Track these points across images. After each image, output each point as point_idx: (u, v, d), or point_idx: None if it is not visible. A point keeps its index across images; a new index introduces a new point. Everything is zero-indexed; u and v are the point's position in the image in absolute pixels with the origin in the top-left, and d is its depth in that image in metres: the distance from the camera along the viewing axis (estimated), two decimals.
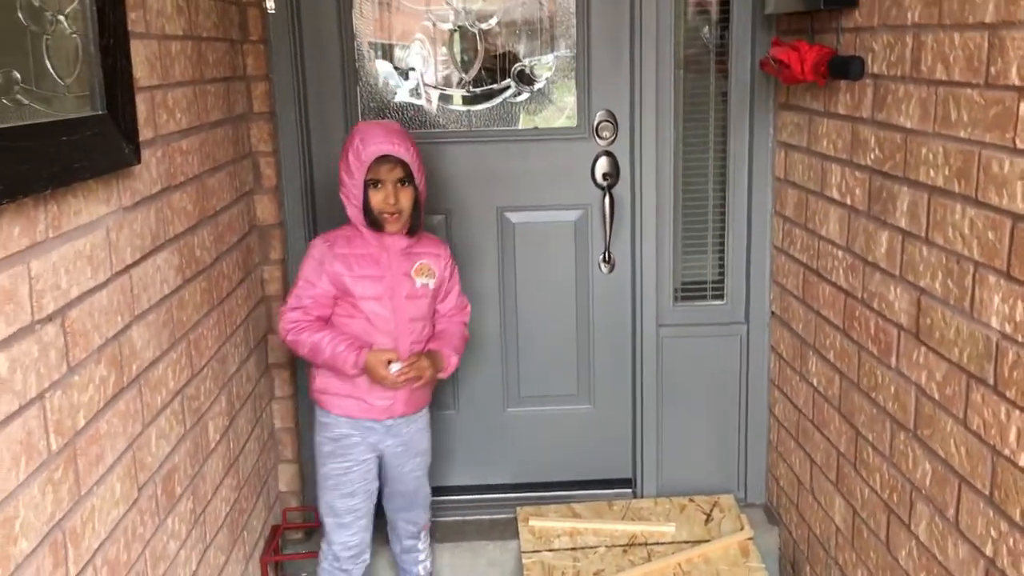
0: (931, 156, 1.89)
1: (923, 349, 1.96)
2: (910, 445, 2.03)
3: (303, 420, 3.03)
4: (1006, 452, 1.66)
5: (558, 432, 3.23)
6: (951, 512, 1.86)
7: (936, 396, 1.91)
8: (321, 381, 2.46)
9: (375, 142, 2.31)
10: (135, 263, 1.83)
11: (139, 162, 1.78)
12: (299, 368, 3.01)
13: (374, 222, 2.38)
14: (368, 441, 2.48)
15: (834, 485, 2.49)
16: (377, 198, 2.36)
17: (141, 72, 1.88)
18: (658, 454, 3.17)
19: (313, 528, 2.93)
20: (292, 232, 2.93)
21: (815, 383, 2.60)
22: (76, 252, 1.58)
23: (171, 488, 1.99)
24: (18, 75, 1.40)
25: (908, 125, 1.98)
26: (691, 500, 3.13)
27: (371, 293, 2.37)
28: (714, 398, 3.13)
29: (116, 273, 1.74)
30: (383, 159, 2.32)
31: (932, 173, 1.89)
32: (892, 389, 2.11)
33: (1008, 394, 1.64)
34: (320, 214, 3.00)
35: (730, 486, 3.19)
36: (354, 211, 2.38)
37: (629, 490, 3.24)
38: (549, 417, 3.22)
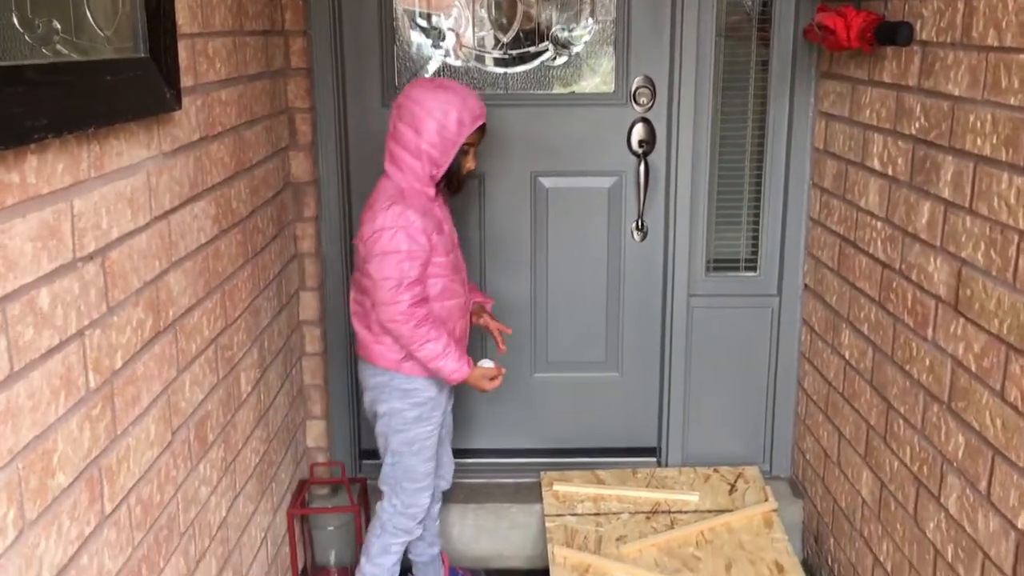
0: (979, 124, 1.86)
1: (961, 321, 1.94)
2: (943, 418, 2.01)
3: (332, 376, 3.05)
4: None
5: (585, 399, 3.23)
6: (983, 485, 1.84)
7: (973, 368, 1.89)
8: (395, 347, 2.40)
9: (479, 109, 2.36)
10: (173, 209, 1.84)
11: (180, 107, 1.79)
12: (330, 326, 3.02)
13: (457, 185, 2.44)
14: (443, 399, 2.52)
15: (862, 458, 2.47)
16: (468, 161, 2.42)
17: (183, 18, 1.88)
18: (684, 424, 3.17)
19: (338, 484, 2.95)
20: (326, 190, 2.93)
21: (847, 356, 2.58)
22: (117, 194, 1.59)
23: (203, 435, 2.01)
24: (58, 25, 1.39)
25: (956, 92, 1.95)
26: (715, 470, 3.12)
27: (443, 248, 2.40)
28: (743, 370, 3.12)
29: (155, 218, 1.75)
30: (481, 125, 2.38)
31: (979, 141, 1.86)
32: (927, 361, 2.09)
33: None
34: (354, 172, 3.00)
35: (755, 458, 3.18)
36: (434, 173, 2.35)
37: (654, 459, 3.24)
38: (576, 384, 3.22)
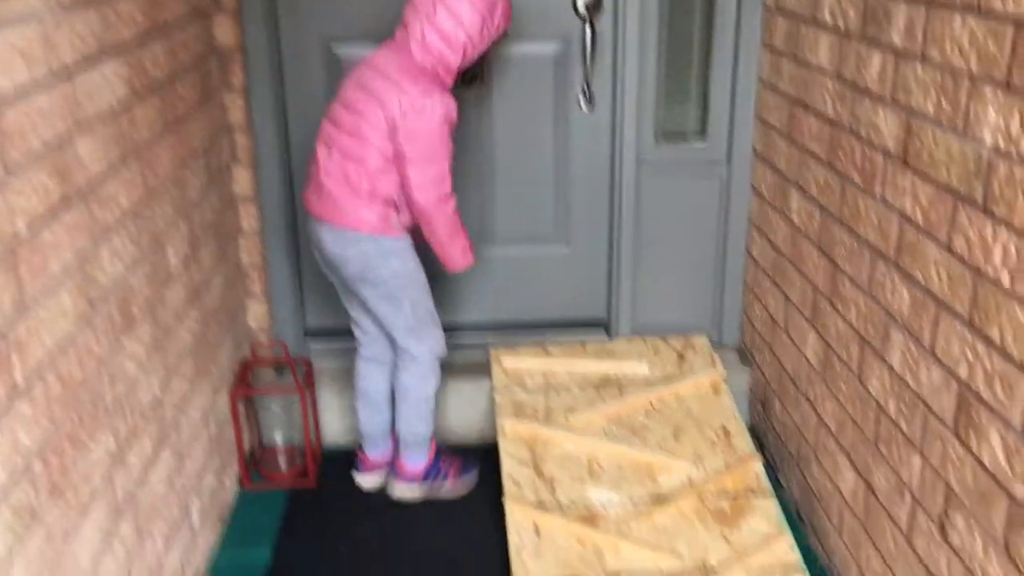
0: None
1: (909, 174, 1.89)
2: (889, 275, 1.98)
3: (271, 255, 2.96)
4: (989, 272, 1.61)
5: (533, 273, 3.18)
6: (927, 338, 1.83)
7: (920, 222, 1.85)
8: (385, 214, 2.44)
9: (510, 7, 2.46)
10: (77, 68, 1.71)
11: None
12: (266, 202, 2.91)
13: (470, 79, 2.63)
14: None
15: (808, 321, 2.46)
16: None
17: None
18: (633, 296, 3.13)
19: (283, 364, 2.89)
20: (255, 58, 2.78)
21: (795, 220, 2.54)
22: (8, 44, 1.46)
23: (128, 310, 1.93)
24: None
25: None
26: (664, 341, 3.11)
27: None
28: (692, 240, 3.08)
29: (54, 73, 1.62)
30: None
31: None
32: (874, 219, 2.05)
33: (996, 211, 1.58)
34: (286, 38, 2.84)
35: (704, 328, 3.17)
36: (462, 66, 2.44)
37: (603, 331, 3.22)
38: (524, 258, 3.16)
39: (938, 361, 1.79)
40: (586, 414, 2.78)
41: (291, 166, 2.95)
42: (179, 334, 2.24)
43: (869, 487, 2.11)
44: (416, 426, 2.71)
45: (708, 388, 2.89)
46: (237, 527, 2.62)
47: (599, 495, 2.51)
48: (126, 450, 1.90)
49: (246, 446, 2.85)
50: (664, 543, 2.36)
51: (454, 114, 2.41)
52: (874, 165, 2.04)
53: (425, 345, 2.63)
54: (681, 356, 3.03)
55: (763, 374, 2.90)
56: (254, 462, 2.87)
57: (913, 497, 1.90)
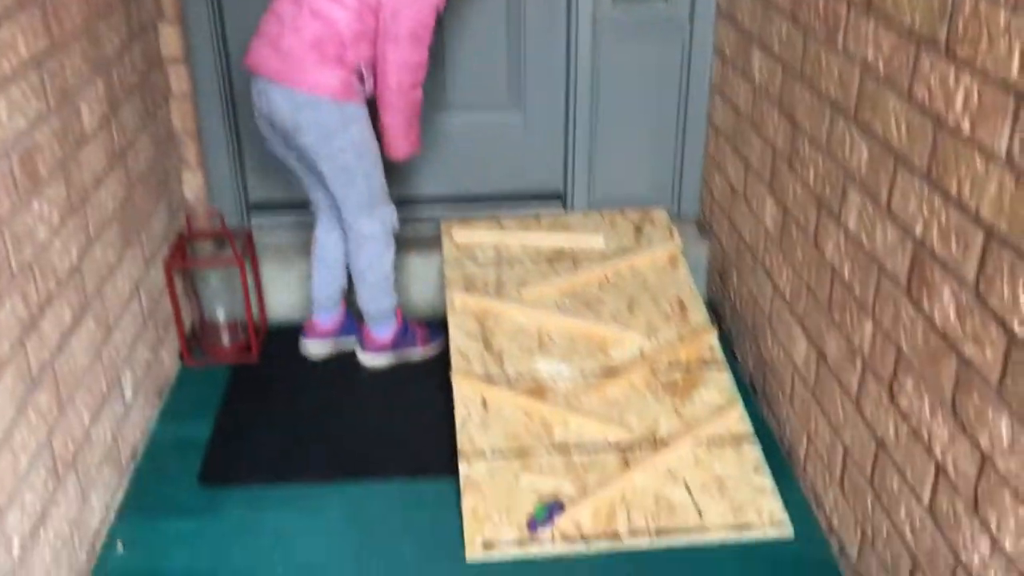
0: None
1: (872, 23, 1.75)
2: (849, 130, 1.87)
3: (206, 122, 2.80)
4: (950, 121, 1.50)
5: (486, 142, 3.04)
6: (884, 196, 1.73)
7: (881, 70, 1.72)
8: (349, 80, 2.32)
9: None
10: None
11: None
12: (198, 65, 2.73)
13: None
14: None
15: (767, 186, 2.36)
16: None
17: None
18: (590, 166, 3.01)
19: (221, 237, 2.77)
20: None
21: (757, 79, 2.40)
22: None
23: (33, 169, 1.79)
24: None
25: None
26: (622, 213, 3.01)
27: None
28: (652, 108, 2.94)
29: None
30: None
31: None
32: (836, 72, 1.92)
33: (960, 52, 1.46)
34: None
35: (664, 200, 3.07)
36: None
37: (560, 204, 3.11)
38: (478, 127, 3.02)
39: (894, 219, 1.69)
40: (538, 287, 2.69)
41: (224, 24, 2.76)
42: (99, 198, 2.11)
43: (821, 355, 2.05)
44: (381, 301, 2.63)
45: (665, 261, 2.80)
46: (176, 402, 2.54)
47: (549, 368, 2.45)
48: (39, 318, 1.79)
49: (187, 321, 2.76)
50: (614, 415, 2.31)
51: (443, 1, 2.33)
52: (837, 14, 1.90)
53: (378, 221, 2.53)
54: (639, 229, 2.93)
55: (721, 246, 2.81)
56: (196, 338, 2.78)
57: (864, 362, 1.84)
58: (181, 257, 2.64)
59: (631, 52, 2.87)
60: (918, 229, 1.61)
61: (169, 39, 2.62)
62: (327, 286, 2.71)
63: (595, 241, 2.87)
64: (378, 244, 2.55)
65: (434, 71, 2.90)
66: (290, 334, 2.83)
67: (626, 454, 2.21)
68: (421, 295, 2.96)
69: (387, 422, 2.46)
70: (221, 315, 2.80)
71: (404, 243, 2.92)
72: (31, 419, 1.74)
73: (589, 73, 2.88)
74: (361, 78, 2.33)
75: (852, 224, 1.86)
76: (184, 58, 2.66)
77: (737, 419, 2.29)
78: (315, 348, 2.74)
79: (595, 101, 2.92)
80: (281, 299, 2.91)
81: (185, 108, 2.70)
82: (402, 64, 2.31)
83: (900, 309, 1.68)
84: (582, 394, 2.37)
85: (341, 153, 2.37)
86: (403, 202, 3.03)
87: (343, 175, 2.42)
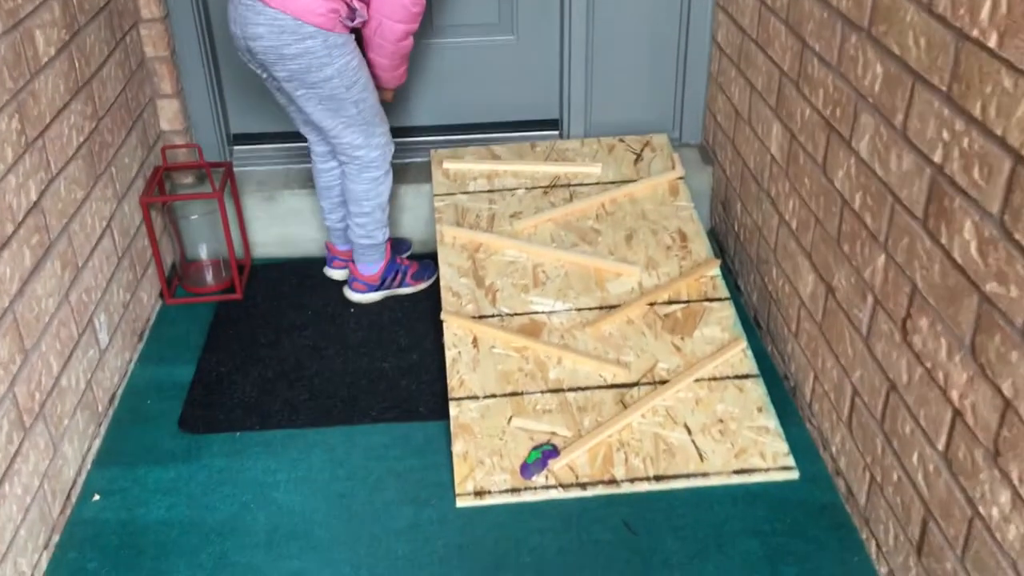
0: None
1: None
2: (862, 48, 1.72)
3: (181, 48, 2.65)
4: (974, 33, 1.35)
5: (478, 68, 2.88)
6: (899, 119, 1.59)
7: None
8: (335, 9, 2.16)
9: None
10: None
11: None
12: None
13: None
14: None
15: (773, 111, 2.21)
16: None
17: None
18: (587, 90, 2.85)
19: (200, 168, 2.64)
20: None
21: None
22: None
23: None
24: None
25: None
26: (621, 140, 2.86)
27: None
28: (652, 27, 2.77)
29: None
30: None
31: None
32: None
33: None
34: None
35: (665, 126, 2.92)
36: None
37: (556, 132, 2.96)
38: (468, 50, 2.85)
39: (910, 145, 1.56)
40: (532, 219, 2.57)
41: None
42: (59, 130, 1.98)
43: (829, 289, 1.93)
44: (374, 232, 2.52)
45: (665, 189, 2.67)
46: (156, 343, 2.45)
47: (542, 304, 2.34)
48: None
49: (168, 259, 2.65)
50: (610, 353, 2.21)
51: None
52: None
53: (376, 147, 2.41)
54: (638, 156, 2.79)
55: (725, 173, 2.67)
56: (177, 276, 2.67)
57: (875, 298, 1.72)
58: (159, 191, 2.52)
59: None
60: (937, 155, 1.48)
61: None
62: (336, 215, 2.62)
63: (592, 169, 2.74)
64: (375, 170, 2.44)
65: None
66: (275, 271, 2.72)
67: (623, 394, 2.11)
68: (412, 228, 2.84)
69: (375, 363, 2.36)
70: (203, 252, 2.69)
71: (395, 175, 2.79)
72: None
73: None
74: (351, 11, 2.18)
75: (864, 151, 1.73)
76: None
77: (740, 356, 2.19)
78: (338, 274, 2.69)
79: (591, 19, 2.75)
80: (266, 235, 2.79)
81: (157, 32, 2.55)
82: (397, 10, 2.21)
83: (916, 242, 1.56)
84: (577, 331, 2.27)
85: (327, 83, 2.23)
86: (392, 133, 2.90)
87: (332, 105, 2.29)
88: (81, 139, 2.08)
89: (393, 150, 2.48)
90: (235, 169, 2.80)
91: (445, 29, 2.81)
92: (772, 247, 2.28)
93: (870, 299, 1.74)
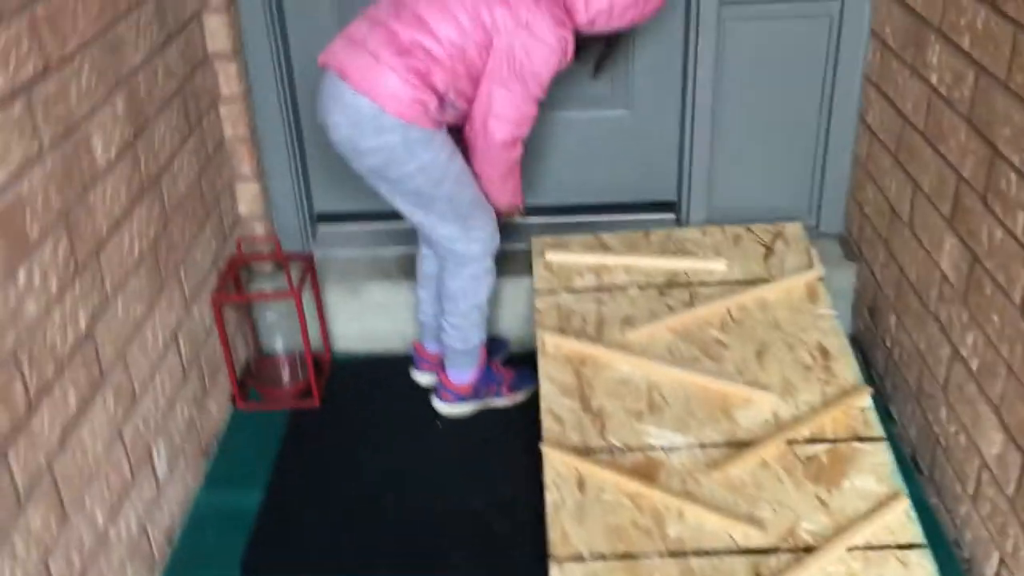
0: None
1: None
2: None
3: (264, 126, 2.41)
4: None
5: (587, 144, 2.58)
6: None
7: None
8: (422, 100, 1.91)
9: None
10: None
11: None
12: (253, 59, 2.34)
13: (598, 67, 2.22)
14: None
15: (947, 221, 1.84)
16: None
17: None
18: (710, 171, 2.52)
19: (279, 262, 2.40)
20: None
21: (935, 80, 1.87)
22: None
23: (18, 229, 1.42)
24: None
25: None
26: (748, 229, 2.51)
27: None
28: (787, 101, 2.42)
29: None
30: None
31: None
32: None
33: None
34: None
35: (799, 212, 2.56)
36: (582, 24, 1.99)
37: (673, 216, 2.64)
38: (576, 126, 2.56)
39: None
40: (647, 327, 2.24)
41: (282, 7, 2.36)
42: (117, 243, 1.75)
43: None
44: (469, 336, 2.25)
45: (802, 292, 2.31)
46: (225, 460, 2.21)
47: (660, 437, 2.01)
48: (26, 419, 1.44)
49: (241, 357, 2.41)
50: (741, 506, 1.86)
51: (571, 53, 1.97)
52: None
53: (475, 240, 2.15)
54: (769, 249, 2.44)
55: (874, 276, 2.30)
56: (251, 375, 2.43)
57: None
58: (234, 286, 2.28)
59: (764, 31, 2.36)
60: None
61: (216, 30, 2.22)
62: (433, 309, 2.34)
63: (716, 265, 2.40)
64: (474, 268, 2.17)
65: None
66: (356, 370, 2.46)
67: (758, 563, 1.76)
68: (509, 326, 2.54)
69: (463, 497, 2.06)
70: (280, 347, 2.45)
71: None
72: (17, 549, 1.40)
73: (712, 58, 2.38)
74: (442, 105, 1.91)
75: None
76: (234, 52, 2.27)
77: (902, 519, 1.81)
78: (425, 379, 2.42)
79: (717, 92, 2.42)
80: (347, 328, 2.54)
81: (237, 111, 2.32)
82: (506, 114, 1.97)
83: None
84: (700, 474, 1.93)
85: (410, 179, 1.96)
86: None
87: (418, 199, 2.03)
88: (144, 247, 1.85)
89: (498, 244, 2.20)
90: (318, 253, 2.56)
91: (551, 102, 2.51)
92: (941, 383, 1.91)
93: None
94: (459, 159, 2.05)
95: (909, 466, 2.08)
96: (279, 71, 2.36)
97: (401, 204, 2.06)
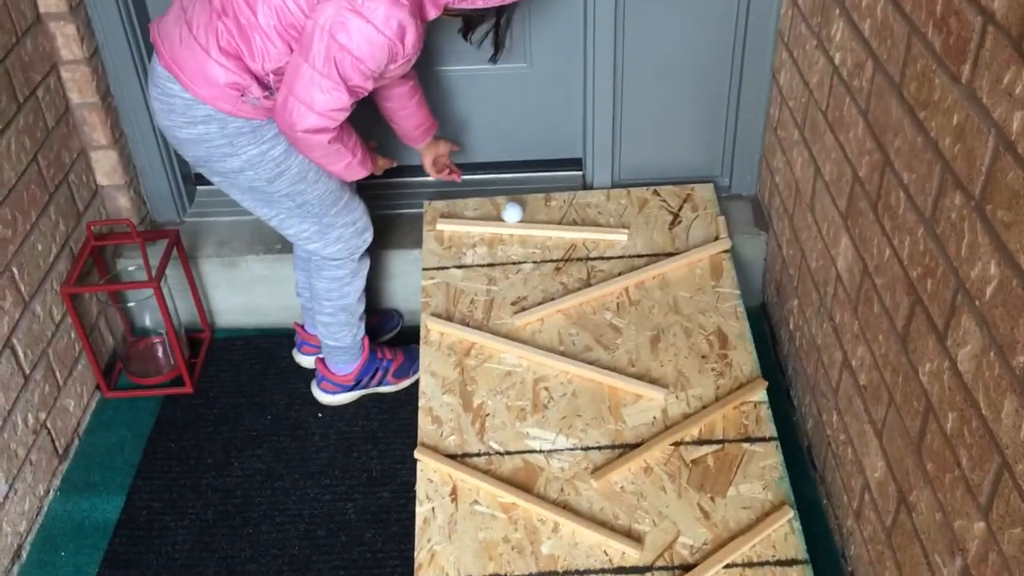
0: None
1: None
2: (969, 222, 1.19)
3: (117, 89, 2.18)
4: None
5: (485, 100, 2.37)
6: (1020, 360, 1.08)
7: None
8: (239, 85, 1.66)
9: None
10: None
11: None
12: (99, 16, 2.09)
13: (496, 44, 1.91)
14: None
15: (843, 219, 1.68)
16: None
17: None
18: (615, 127, 2.33)
19: (151, 238, 2.22)
20: None
21: (838, 59, 1.67)
22: None
23: None
24: None
25: None
26: (656, 193, 2.34)
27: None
28: (696, 51, 2.21)
29: None
30: None
31: None
32: (954, 119, 1.22)
33: None
34: None
35: (712, 170, 2.39)
36: None
37: (579, 172, 2.45)
38: (470, 80, 2.34)
39: None
40: (539, 310, 2.09)
41: None
42: None
43: (904, 502, 1.45)
44: (340, 335, 2.09)
45: (707, 268, 2.16)
46: (85, 459, 2.08)
47: (542, 439, 1.89)
48: None
49: (108, 341, 2.25)
50: (621, 517, 1.76)
51: (412, 46, 1.62)
52: (966, 25, 1.18)
53: (335, 241, 1.94)
54: (676, 216, 2.28)
55: (781, 251, 2.15)
56: (124, 359, 2.27)
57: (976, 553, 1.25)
58: (95, 268, 2.11)
59: None
60: None
61: None
62: (307, 291, 2.17)
63: (617, 236, 2.24)
64: (336, 269, 1.98)
65: None
66: (237, 349, 2.32)
67: None
68: (403, 300, 2.39)
69: (337, 502, 1.96)
70: (147, 320, 2.28)
71: (382, 231, 2.34)
72: None
73: (612, 7, 2.15)
74: (265, 89, 1.68)
75: (965, 365, 1.22)
76: (71, 11, 2.02)
77: (786, 531, 1.72)
78: (307, 362, 2.27)
79: (619, 44, 2.20)
80: (228, 303, 2.38)
81: (83, 76, 2.08)
82: (310, 99, 1.61)
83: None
84: (581, 482, 1.82)
85: (238, 175, 1.76)
86: (379, 177, 2.42)
87: (256, 196, 1.83)
88: None
89: (368, 240, 2.01)
90: (194, 220, 2.37)
91: (444, 55, 2.29)
92: (834, 386, 1.79)
93: (959, 561, 1.26)
94: (298, 157, 1.79)
95: (806, 460, 1.99)
96: (129, 26, 2.11)
97: (240, 200, 1.86)
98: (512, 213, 2.22)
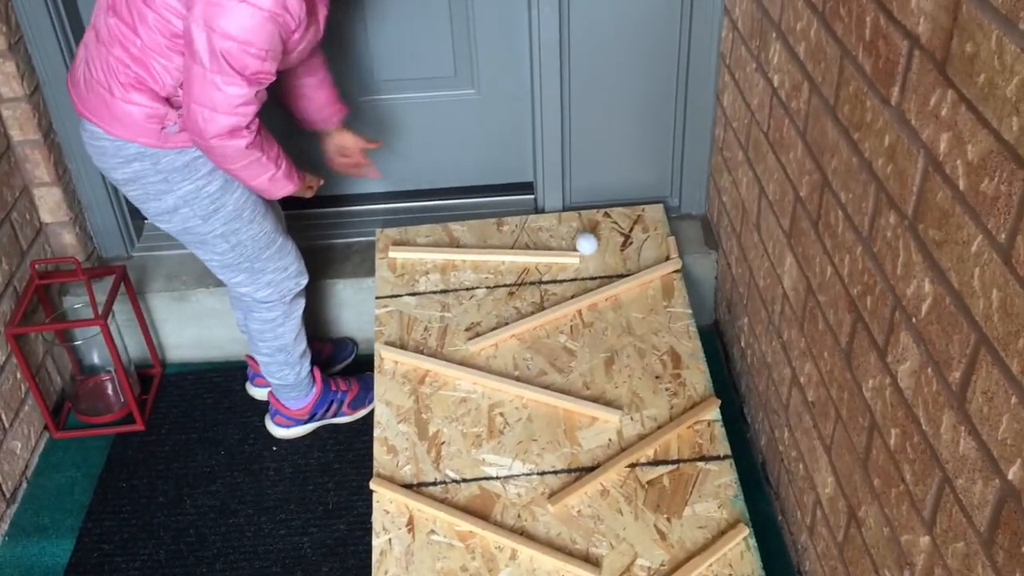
0: None
1: (953, 93, 1.07)
2: (904, 242, 1.21)
3: (60, 125, 2.16)
4: None
5: (434, 126, 2.37)
6: (955, 376, 1.10)
7: (961, 184, 1.06)
8: (157, 114, 1.63)
9: None
10: None
11: None
12: (34, 53, 2.07)
13: None
14: None
15: (787, 238, 1.71)
16: None
17: None
18: (564, 150, 2.35)
19: (93, 274, 2.19)
20: None
21: (776, 81, 1.70)
22: None
23: None
24: None
25: None
26: (606, 215, 2.36)
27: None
28: (642, 75, 2.23)
29: None
30: None
31: None
32: (885, 141, 1.24)
33: None
34: None
35: (662, 190, 2.41)
36: None
37: (531, 196, 2.47)
38: (418, 107, 2.34)
39: (968, 422, 1.07)
40: (493, 336, 2.09)
41: None
42: None
43: (853, 516, 1.47)
44: (283, 375, 2.07)
45: (658, 289, 2.18)
46: (33, 503, 2.04)
47: (498, 465, 1.89)
48: None
49: (56, 380, 2.21)
50: (578, 541, 1.76)
51: (294, 14, 1.52)
52: (894, 48, 1.21)
53: (265, 285, 1.92)
54: (627, 238, 2.29)
55: (731, 271, 2.18)
56: (68, 399, 2.24)
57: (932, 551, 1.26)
58: (40, 308, 2.07)
59: (616, 2, 2.15)
60: (1015, 467, 0.99)
61: None
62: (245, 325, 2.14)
63: (568, 260, 2.25)
64: (267, 311, 1.96)
65: (355, 45, 2.22)
66: (189, 384, 2.29)
67: None
68: (357, 328, 2.38)
69: (293, 536, 1.94)
70: (96, 358, 2.25)
71: (334, 261, 2.33)
72: None
73: (556, 29, 2.16)
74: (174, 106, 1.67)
75: (905, 380, 1.24)
76: (10, 49, 1.99)
77: (741, 549, 1.73)
78: (259, 394, 2.24)
79: (565, 69, 2.22)
80: (179, 337, 2.35)
81: (24, 113, 2.06)
82: (208, 99, 1.54)
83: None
84: (538, 507, 1.82)
85: (172, 214, 1.74)
86: (330, 205, 2.42)
87: (190, 238, 1.82)
88: None
89: (303, 284, 1.99)
90: (143, 254, 2.34)
91: (391, 84, 2.29)
92: (784, 403, 1.81)
93: (921, 554, 1.27)
94: (235, 193, 1.77)
95: (760, 476, 2.00)
96: (71, 63, 2.09)
97: (179, 238, 1.84)
98: (587, 244, 2.20)
